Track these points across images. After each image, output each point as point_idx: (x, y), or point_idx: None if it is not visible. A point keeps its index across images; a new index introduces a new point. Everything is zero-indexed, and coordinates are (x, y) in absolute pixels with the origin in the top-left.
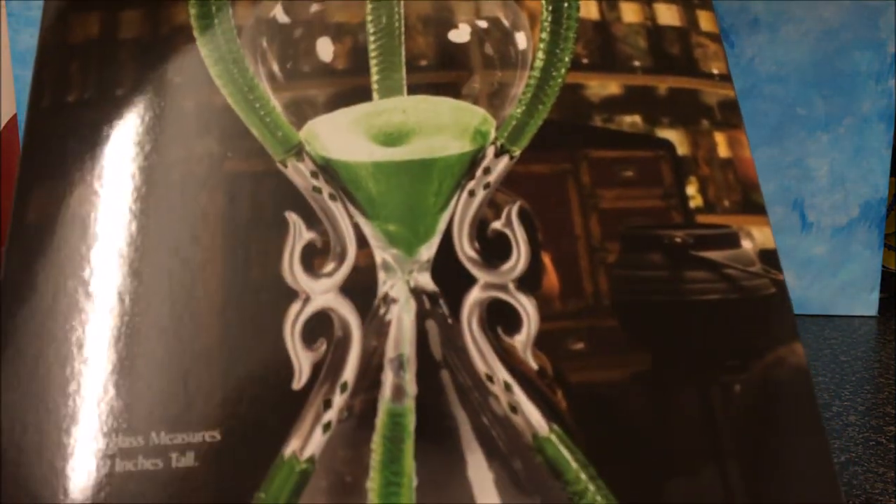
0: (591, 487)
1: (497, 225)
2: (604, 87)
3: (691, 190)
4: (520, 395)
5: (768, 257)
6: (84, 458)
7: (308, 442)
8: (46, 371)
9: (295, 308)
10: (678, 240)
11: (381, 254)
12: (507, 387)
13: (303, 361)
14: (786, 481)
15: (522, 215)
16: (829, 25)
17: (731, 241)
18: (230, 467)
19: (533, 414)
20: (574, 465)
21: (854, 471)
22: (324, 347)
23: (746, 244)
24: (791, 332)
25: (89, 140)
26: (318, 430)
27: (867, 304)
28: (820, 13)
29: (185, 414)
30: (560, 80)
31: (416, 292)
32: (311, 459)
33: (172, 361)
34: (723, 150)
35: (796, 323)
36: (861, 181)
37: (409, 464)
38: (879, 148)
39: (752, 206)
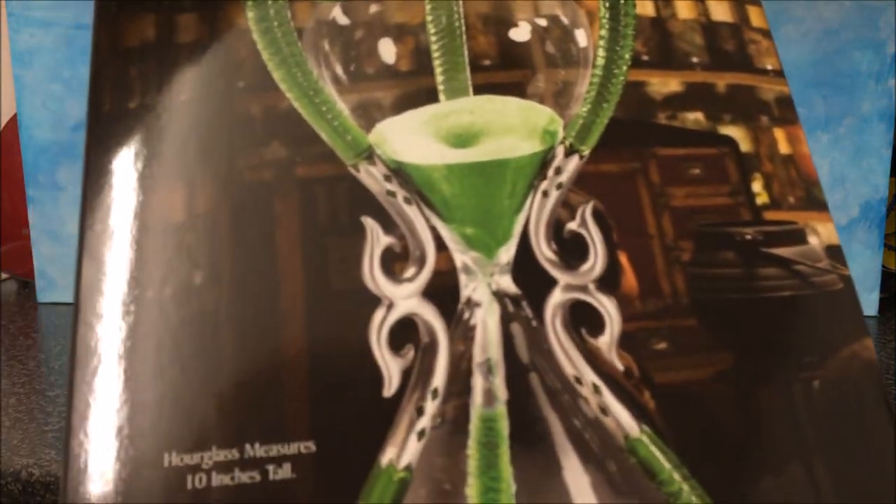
0: (686, 487)
1: (573, 226)
2: (665, 84)
3: (757, 186)
4: (608, 397)
5: (834, 253)
6: (179, 472)
7: (404, 450)
8: (129, 383)
9: (379, 314)
10: (749, 237)
11: (461, 257)
12: (596, 389)
13: (392, 368)
14: (867, 477)
15: (596, 215)
16: (829, 25)
17: (799, 237)
18: (327, 478)
19: (623, 415)
20: (667, 465)
21: None
22: (411, 353)
23: (813, 240)
24: (861, 327)
25: (156, 145)
26: (413, 438)
27: (867, 304)
28: (820, 13)
29: (278, 425)
30: (622, 77)
31: (499, 295)
32: (408, 468)
33: (260, 372)
34: (783, 147)
35: (864, 318)
36: (861, 181)
37: (507, 469)
38: (879, 148)
39: (815, 202)
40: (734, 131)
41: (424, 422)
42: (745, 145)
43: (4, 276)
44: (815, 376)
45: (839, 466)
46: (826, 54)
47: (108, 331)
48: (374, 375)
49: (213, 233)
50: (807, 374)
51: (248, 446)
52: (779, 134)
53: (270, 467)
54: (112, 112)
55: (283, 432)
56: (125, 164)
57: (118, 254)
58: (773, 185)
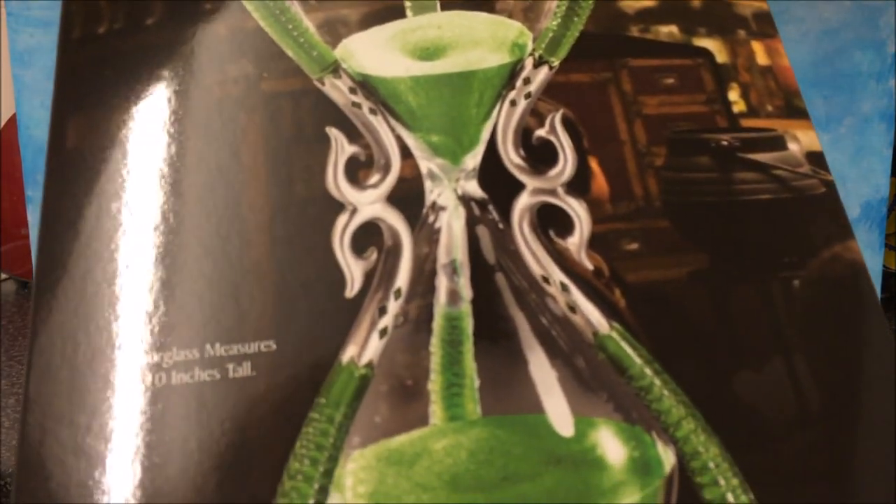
0: (658, 382)
1: (541, 132)
2: None
3: (733, 95)
4: (577, 295)
5: (816, 159)
6: (138, 372)
7: (365, 348)
8: (95, 290)
9: (342, 219)
10: (725, 142)
11: (426, 164)
12: (564, 287)
13: (354, 270)
14: (852, 373)
15: (566, 122)
16: (829, 25)
17: (778, 143)
18: (288, 375)
19: (592, 313)
20: (638, 360)
21: None
22: (374, 256)
23: (793, 146)
24: (845, 230)
25: (124, 68)
26: (375, 336)
27: None
28: (820, 13)
29: (239, 326)
30: None
31: (465, 199)
32: (369, 364)
33: (222, 276)
34: (761, 59)
35: (849, 221)
36: (861, 181)
37: (470, 365)
38: (880, 148)
39: (795, 110)
40: (710, 43)
41: (387, 321)
42: (721, 56)
43: (3, 276)
44: (796, 276)
45: (822, 363)
46: (826, 54)
47: (70, 242)
48: (337, 277)
49: (178, 146)
50: (786, 274)
51: (208, 346)
52: (757, 46)
53: (230, 366)
54: (81, 38)
55: (244, 333)
56: (92, 88)
57: (83, 171)
58: (751, 94)
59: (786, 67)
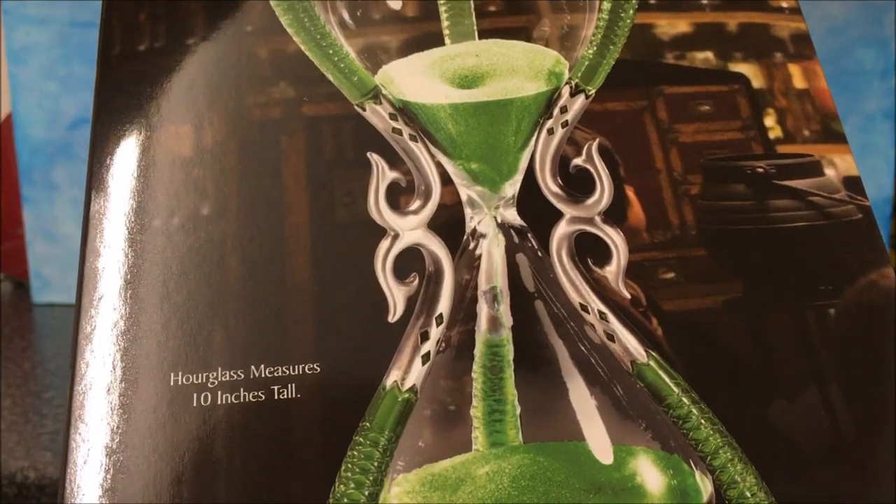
0: (695, 411)
1: (578, 161)
2: (673, 25)
3: (770, 121)
4: (615, 324)
5: (853, 184)
6: (185, 390)
7: (409, 372)
8: (139, 308)
9: (385, 244)
10: (760, 170)
11: (466, 191)
12: (602, 316)
13: (396, 295)
14: (887, 402)
15: (602, 151)
16: (833, 23)
17: (814, 169)
18: (333, 398)
19: (630, 341)
20: (676, 389)
21: None
22: (416, 282)
23: (830, 172)
24: (881, 257)
25: (164, 85)
26: (418, 361)
27: None
28: (825, 11)
29: (283, 348)
30: (629, 20)
31: (504, 227)
32: (412, 389)
33: (265, 298)
34: (798, 82)
35: (885, 248)
36: (866, 180)
37: (511, 391)
38: (884, 146)
39: (833, 134)
40: (746, 68)
41: (429, 346)
42: (757, 81)
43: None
44: (831, 304)
45: (857, 393)
46: (831, 52)
47: (115, 257)
48: (379, 302)
49: (220, 166)
50: (822, 303)
51: (253, 368)
52: (794, 69)
53: (276, 387)
54: (122, 54)
55: (288, 355)
56: (134, 104)
57: (126, 186)
58: (787, 119)
59: (823, 90)
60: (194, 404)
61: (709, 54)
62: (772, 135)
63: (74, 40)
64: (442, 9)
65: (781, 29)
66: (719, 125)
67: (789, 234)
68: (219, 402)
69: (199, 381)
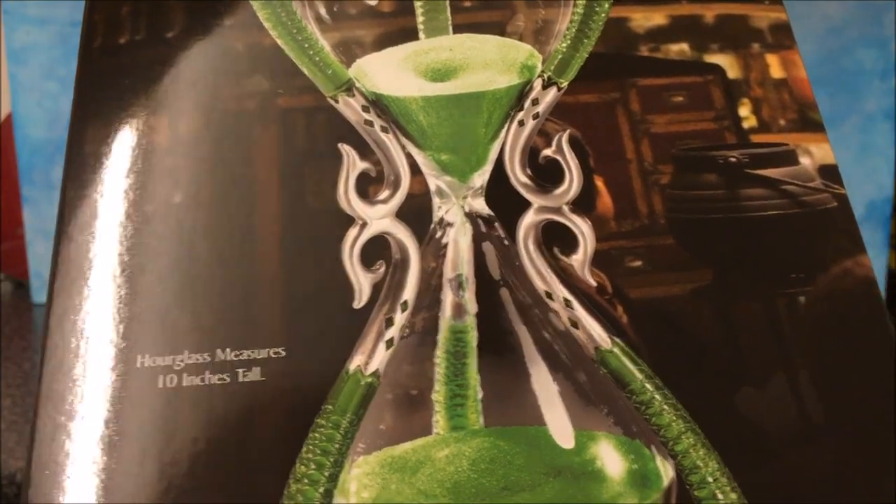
0: (658, 396)
1: (548, 152)
2: (648, 18)
3: (744, 111)
4: (580, 311)
5: (829, 173)
6: (150, 373)
7: (372, 357)
8: (110, 292)
9: (352, 232)
10: (733, 159)
11: (435, 181)
12: (567, 303)
13: (363, 282)
14: (857, 389)
15: (573, 142)
16: (833, 23)
17: (789, 158)
18: (297, 381)
19: (595, 328)
20: (639, 375)
21: None
22: (382, 269)
23: (805, 160)
24: (856, 245)
25: (144, 78)
26: (382, 346)
27: None
28: (824, 11)
29: (250, 333)
30: (604, 14)
31: (472, 216)
32: (375, 374)
33: (234, 284)
34: (776, 72)
35: (861, 236)
36: (866, 180)
37: (474, 377)
38: (884, 146)
39: (810, 123)
40: (722, 59)
41: (393, 332)
42: (733, 72)
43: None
44: (803, 292)
45: (827, 380)
46: (830, 52)
47: (88, 243)
48: (345, 288)
49: (194, 156)
50: (793, 290)
51: (219, 351)
52: (772, 59)
53: (240, 370)
54: (103, 48)
55: (255, 339)
56: (112, 96)
57: (100, 174)
58: (763, 108)
59: (802, 79)
60: (160, 386)
61: (684, 46)
62: (746, 124)
63: (74, 40)
64: (417, 4)
65: (760, 19)
66: (692, 116)
67: (761, 223)
68: (184, 384)
69: (165, 363)
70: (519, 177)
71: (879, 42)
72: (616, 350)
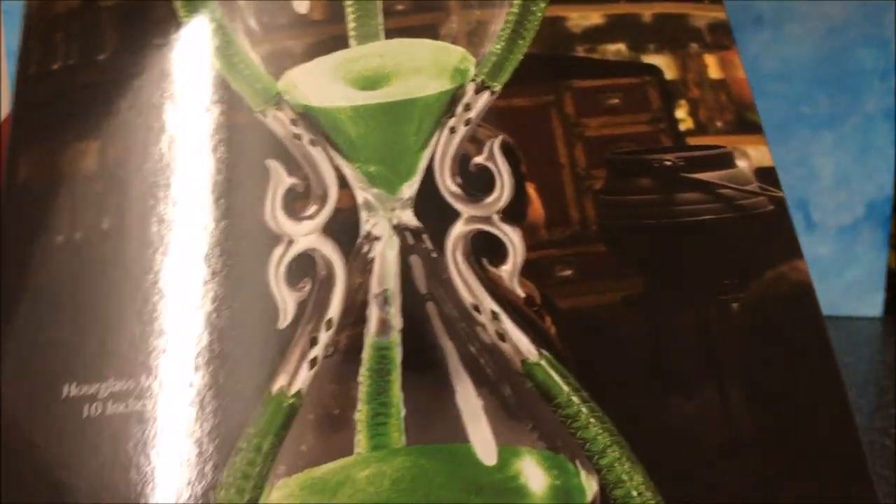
0: (584, 410)
1: (479, 159)
2: (585, 17)
3: (681, 113)
4: (507, 323)
5: (766, 175)
6: (75, 402)
7: (295, 378)
8: (40, 320)
9: (278, 251)
10: (668, 163)
11: (363, 194)
12: (495, 316)
13: (287, 301)
14: (791, 399)
15: (505, 148)
16: (833, 23)
17: (725, 161)
18: (223, 405)
19: (521, 340)
20: (566, 388)
21: None
22: (308, 287)
23: (742, 163)
24: (792, 249)
25: (76, 103)
26: (305, 366)
27: (872, 304)
28: (824, 11)
29: (175, 355)
30: (540, 13)
31: (399, 229)
32: (298, 394)
33: (160, 310)
34: (714, 72)
35: (797, 240)
36: (866, 180)
37: (397, 394)
38: (884, 146)
39: (748, 125)
40: (659, 59)
41: (317, 351)
42: (670, 73)
43: None
44: (736, 298)
45: (757, 389)
46: (831, 52)
47: (18, 272)
48: (271, 308)
49: (121, 180)
50: (726, 297)
51: (143, 377)
52: (710, 59)
53: (167, 395)
54: (37, 74)
55: (181, 362)
56: (46, 122)
57: (33, 202)
58: (700, 110)
59: (740, 80)
60: (84, 415)
61: (621, 46)
62: (682, 127)
63: None
64: (349, 10)
65: (699, 19)
66: (627, 118)
67: (695, 228)
68: (108, 412)
69: (91, 391)
70: (449, 186)
71: (879, 42)
72: (543, 363)
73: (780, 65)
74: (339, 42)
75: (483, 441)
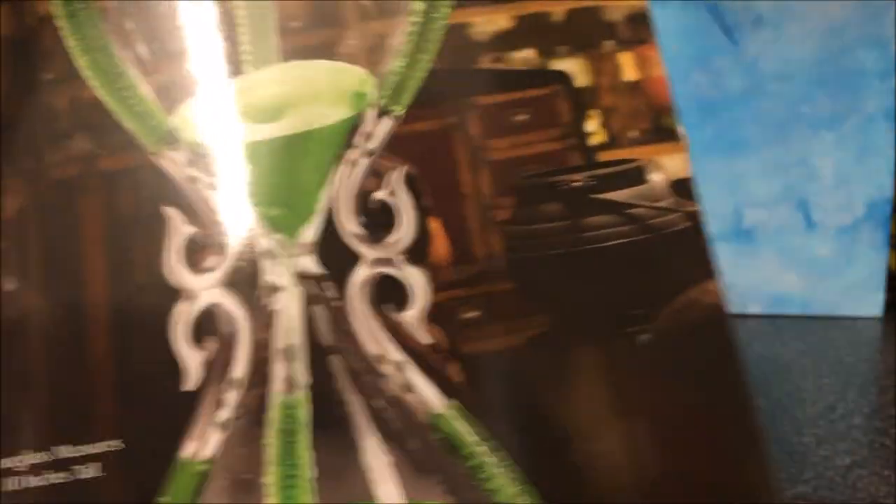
0: (490, 460)
1: (380, 195)
2: (491, 22)
3: (592, 125)
4: (413, 374)
5: (682, 187)
6: None
7: (205, 443)
8: None
9: (180, 308)
10: (577, 184)
11: (264, 241)
12: (400, 367)
13: (192, 361)
14: (700, 434)
15: (408, 180)
16: (833, 23)
17: (637, 176)
18: (133, 474)
19: (427, 391)
20: (471, 439)
21: (859, 474)
22: (213, 345)
23: (655, 177)
24: (703, 270)
25: None
26: (215, 430)
27: (872, 304)
28: (824, 11)
29: (86, 425)
30: (443, 21)
31: (301, 277)
32: (208, 460)
33: (68, 375)
34: (630, 72)
35: (711, 259)
36: (866, 180)
37: (305, 455)
38: (884, 146)
39: (664, 132)
40: (569, 64)
41: (225, 413)
42: (581, 79)
43: None
44: (644, 330)
45: (667, 425)
46: (831, 52)
47: None
48: (176, 370)
49: (21, 236)
50: (633, 329)
51: (59, 448)
52: (625, 59)
53: (79, 467)
54: None
55: (92, 432)
56: None
57: None
58: (613, 119)
59: (658, 79)
60: (5, 489)
61: (529, 53)
62: (594, 140)
63: None
64: (242, 31)
65: (614, 10)
66: (536, 136)
67: (603, 255)
68: (28, 485)
69: (8, 465)
70: (348, 227)
71: (879, 42)
72: (448, 413)
73: (780, 65)
74: (234, 67)
75: (391, 499)
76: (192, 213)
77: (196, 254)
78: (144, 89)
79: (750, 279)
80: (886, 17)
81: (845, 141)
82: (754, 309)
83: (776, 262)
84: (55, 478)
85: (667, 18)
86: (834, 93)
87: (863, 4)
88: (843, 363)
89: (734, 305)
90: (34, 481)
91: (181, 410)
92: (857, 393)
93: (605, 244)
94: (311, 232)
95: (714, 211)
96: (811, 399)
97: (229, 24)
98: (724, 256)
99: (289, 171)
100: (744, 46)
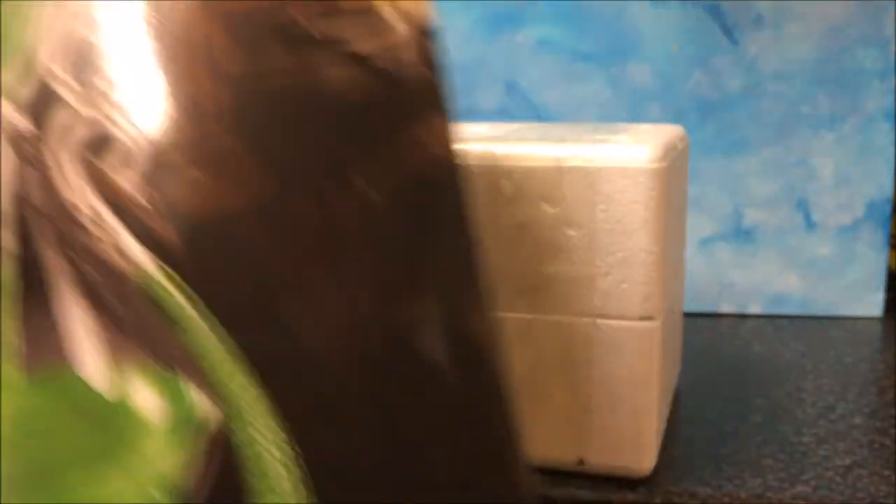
0: (201, 324)
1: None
2: None
3: None
4: (125, 236)
5: (418, 31)
6: None
7: None
8: None
9: None
10: (311, 33)
11: None
12: (113, 228)
13: None
14: (420, 285)
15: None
16: (833, 23)
17: (371, 16)
18: None
19: (139, 254)
20: (185, 304)
21: (859, 474)
22: None
23: (392, 19)
24: (435, 110)
25: None
26: None
27: (873, 304)
28: (824, 11)
29: None
30: None
31: (13, 137)
32: None
33: None
34: None
35: (447, 101)
36: (866, 180)
37: (9, 323)
38: (884, 146)
39: None
40: None
41: None
42: None
43: None
44: (361, 171)
45: (386, 285)
46: (830, 52)
47: None
48: None
49: None
50: (353, 169)
51: None
52: None
53: None
54: None
55: None
56: None
57: None
58: None
59: None
60: None
61: None
62: None
63: None
64: None
65: None
66: None
67: (331, 105)
68: None
69: None
70: (57, 72)
71: (879, 42)
72: (160, 278)
73: (779, 65)
74: None
75: (93, 364)
76: None
77: None
78: None
79: (750, 279)
80: (886, 17)
81: (845, 141)
82: (754, 309)
83: (776, 262)
84: None
85: (667, 18)
86: (834, 93)
87: (863, 4)
88: (842, 363)
89: (734, 305)
90: None
91: None
92: (856, 393)
93: (331, 88)
94: (17, 79)
95: (714, 211)
96: (811, 399)
97: None
98: (724, 256)
99: None
100: (744, 46)
